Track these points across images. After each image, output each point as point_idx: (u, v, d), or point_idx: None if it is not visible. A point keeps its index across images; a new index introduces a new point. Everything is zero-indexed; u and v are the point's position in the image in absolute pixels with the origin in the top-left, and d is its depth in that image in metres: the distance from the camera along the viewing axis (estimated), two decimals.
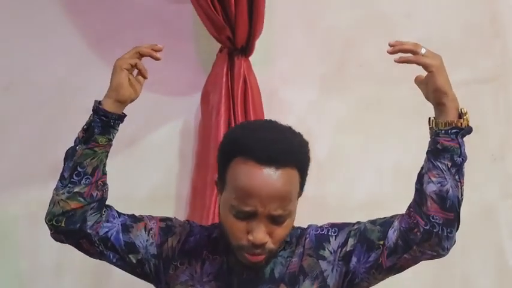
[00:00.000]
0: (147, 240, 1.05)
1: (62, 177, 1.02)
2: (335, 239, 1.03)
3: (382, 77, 1.97)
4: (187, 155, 2.06)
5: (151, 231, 1.06)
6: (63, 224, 1.01)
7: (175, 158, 2.08)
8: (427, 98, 0.98)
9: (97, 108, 1.01)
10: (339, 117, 2.00)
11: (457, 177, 0.94)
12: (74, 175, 1.00)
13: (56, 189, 1.02)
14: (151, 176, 1.96)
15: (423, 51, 0.95)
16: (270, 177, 0.92)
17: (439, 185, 0.93)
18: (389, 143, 1.95)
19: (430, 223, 0.94)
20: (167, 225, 1.09)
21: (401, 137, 1.96)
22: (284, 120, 1.93)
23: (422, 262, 1.01)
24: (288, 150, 0.94)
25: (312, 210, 1.95)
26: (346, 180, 1.98)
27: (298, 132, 1.03)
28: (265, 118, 1.74)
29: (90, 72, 2.03)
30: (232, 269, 1.01)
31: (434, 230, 0.94)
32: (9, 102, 2.01)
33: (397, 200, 1.86)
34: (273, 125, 1.02)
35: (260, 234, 0.93)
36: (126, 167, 2.03)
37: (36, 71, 2.00)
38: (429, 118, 0.98)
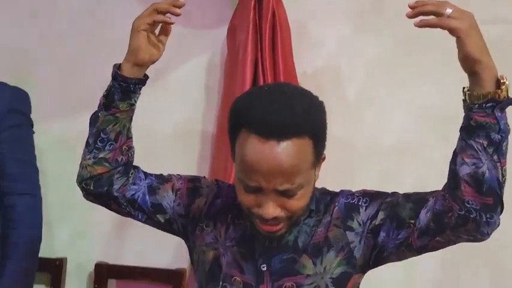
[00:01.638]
0: (174, 201, 1.06)
1: (87, 143, 1.03)
2: (365, 210, 0.97)
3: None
4: (213, 90, 2.02)
5: (178, 192, 1.06)
6: (91, 187, 1.03)
7: (201, 93, 2.05)
8: (461, 65, 0.84)
9: (115, 74, 0.98)
10: (372, 56, 1.89)
11: (495, 157, 0.81)
12: (98, 141, 1.01)
13: (83, 153, 1.04)
14: (177, 111, 1.94)
15: (448, 11, 0.81)
16: (272, 151, 0.86)
17: (474, 166, 0.82)
18: (424, 87, 1.85)
19: (466, 208, 0.83)
20: (195, 186, 1.08)
21: (437, 80, 1.85)
22: (313, 57, 1.92)
23: None
24: (292, 120, 0.87)
25: (339, 151, 1.92)
26: (375, 122, 1.90)
27: (310, 96, 0.96)
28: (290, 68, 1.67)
29: (116, 4, 1.99)
30: (255, 235, 0.98)
31: (471, 216, 0.83)
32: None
33: (427, 145, 1.83)
34: (281, 92, 0.93)
35: (268, 209, 0.90)
36: (151, 102, 1.98)
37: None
38: (463, 88, 0.85)
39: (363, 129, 1.91)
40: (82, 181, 1.04)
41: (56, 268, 2.01)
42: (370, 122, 1.91)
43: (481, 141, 0.81)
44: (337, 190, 1.06)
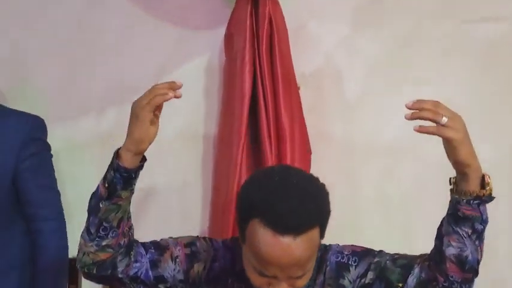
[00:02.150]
0: (174, 269, 1.08)
1: (88, 232, 1.03)
2: (355, 269, 1.05)
3: (421, 11, 1.84)
4: (213, 92, 2.03)
5: (177, 259, 1.08)
6: (94, 271, 1.05)
7: (201, 97, 2.05)
8: (452, 165, 0.94)
9: (117, 166, 0.98)
10: (371, 55, 1.90)
11: (477, 242, 0.95)
12: (100, 230, 1.01)
13: (84, 240, 1.04)
14: (177, 115, 1.93)
15: (444, 120, 0.89)
16: (289, 247, 0.90)
17: (459, 249, 0.95)
18: (424, 86, 1.86)
19: (449, 281, 0.97)
20: (192, 252, 1.10)
21: (437, 79, 1.86)
22: (311, 57, 1.93)
23: None
24: (307, 216, 0.92)
25: (339, 150, 1.94)
26: (374, 121, 1.92)
27: (316, 182, 1.00)
28: (282, 164, 1.61)
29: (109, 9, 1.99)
30: None
31: (453, 286, 0.97)
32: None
33: (426, 144, 1.82)
34: (292, 185, 0.95)
35: None
36: None
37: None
38: (450, 179, 0.96)
39: (362, 128, 1.93)
40: (84, 266, 1.06)
41: (72, 267, 2.01)
42: (370, 121, 1.93)
43: (466, 230, 0.94)
44: (327, 244, 1.11)
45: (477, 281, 1.03)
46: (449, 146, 0.90)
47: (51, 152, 1.70)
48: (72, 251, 1.88)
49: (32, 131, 1.61)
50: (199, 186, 2.04)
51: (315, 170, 1.87)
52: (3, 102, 1.94)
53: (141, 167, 1.01)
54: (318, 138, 1.91)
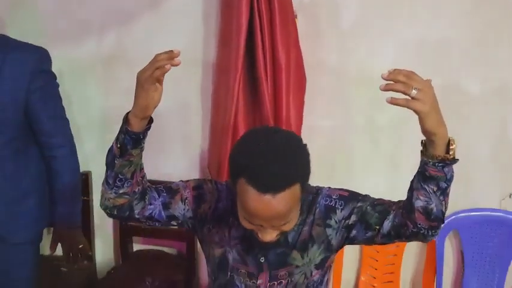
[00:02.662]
0: (184, 209, 1.21)
1: (107, 183, 1.14)
2: (341, 212, 1.17)
3: None
4: (211, 18, 2.05)
5: (186, 200, 1.21)
6: (115, 213, 1.17)
7: (200, 22, 2.08)
8: (422, 132, 1.01)
9: (126, 130, 1.06)
10: None
11: (441, 197, 1.04)
12: (117, 181, 1.12)
13: (104, 188, 1.15)
14: (176, 40, 1.97)
15: (413, 93, 0.94)
16: (270, 203, 1.00)
17: (426, 203, 1.05)
18: (419, 19, 1.91)
19: (417, 228, 1.08)
20: (199, 194, 1.22)
21: (432, 13, 1.91)
22: None
23: None
24: (285, 177, 1.01)
25: (334, 79, 2.02)
26: (368, 51, 1.98)
27: (297, 142, 1.09)
28: (267, 127, 1.60)
29: None
30: (253, 235, 1.11)
31: (421, 232, 1.08)
32: None
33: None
34: (273, 147, 1.03)
35: (267, 237, 1.08)
36: (148, 32, 2.06)
37: None
38: (421, 141, 1.03)
39: (356, 57, 1.99)
40: (106, 208, 1.18)
41: (83, 181, 2.18)
42: (363, 51, 1.99)
43: (432, 187, 1.03)
44: (318, 185, 1.22)
45: None
46: (419, 118, 0.97)
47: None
48: (82, 167, 2.03)
49: (38, 63, 1.65)
50: (199, 109, 2.13)
51: (308, 98, 1.98)
52: (3, 26, 1.98)
53: (148, 128, 1.09)
54: (313, 66, 1.98)
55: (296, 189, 1.02)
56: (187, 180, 1.24)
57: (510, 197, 2.06)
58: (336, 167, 2.10)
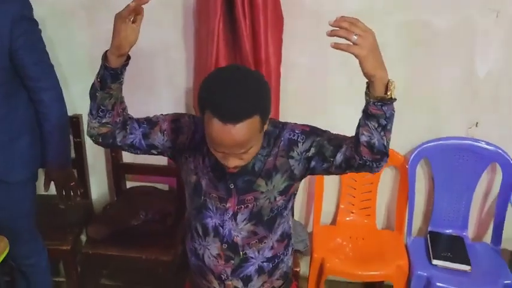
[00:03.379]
0: (162, 139, 1.33)
1: (91, 113, 1.28)
2: (302, 145, 1.28)
3: None
4: None
5: (165, 132, 1.33)
6: (100, 140, 1.32)
7: None
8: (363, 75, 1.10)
9: (105, 66, 1.19)
10: None
11: (382, 133, 1.14)
12: (99, 112, 1.26)
13: (89, 119, 1.29)
14: None
15: (354, 38, 1.03)
16: (230, 133, 1.11)
17: (369, 138, 1.15)
18: None
19: (363, 160, 1.19)
20: (177, 126, 1.33)
21: None
22: None
23: None
24: (246, 107, 1.11)
25: (309, 17, 2.08)
26: None
27: (258, 79, 1.18)
28: (233, 65, 1.76)
29: None
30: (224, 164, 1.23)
31: (367, 164, 1.20)
32: None
33: (387, 14, 2.00)
34: (236, 81, 1.13)
35: (230, 163, 1.19)
36: None
37: None
38: (366, 82, 1.11)
39: None
40: (92, 136, 1.32)
41: (73, 124, 2.29)
42: None
43: (373, 124, 1.13)
44: (283, 122, 1.33)
45: None
46: (358, 60, 1.06)
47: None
48: (72, 111, 2.11)
49: (19, 10, 1.69)
50: (183, 51, 2.19)
51: (287, 35, 2.05)
52: None
53: (126, 64, 1.21)
54: (290, 6, 2.02)
55: (255, 121, 1.13)
56: (167, 114, 1.35)
57: (476, 125, 2.18)
58: (316, 98, 2.20)
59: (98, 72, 1.21)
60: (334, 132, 1.30)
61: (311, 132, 1.29)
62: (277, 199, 1.31)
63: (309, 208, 2.46)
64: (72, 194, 1.99)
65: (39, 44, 1.80)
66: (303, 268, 2.32)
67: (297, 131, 1.29)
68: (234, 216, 1.31)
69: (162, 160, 2.41)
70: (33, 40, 1.76)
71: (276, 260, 1.38)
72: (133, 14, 1.15)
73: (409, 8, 2.00)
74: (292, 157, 1.28)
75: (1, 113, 1.75)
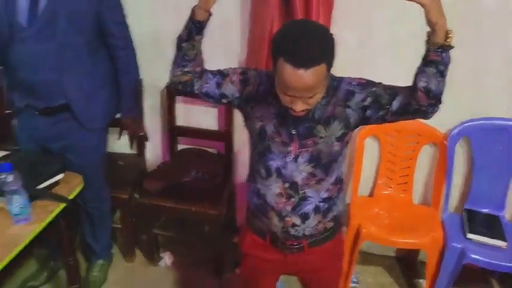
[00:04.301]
0: (232, 89, 1.49)
1: (175, 62, 1.46)
2: (359, 95, 1.41)
3: None
4: None
5: (234, 83, 1.49)
6: (180, 88, 1.49)
7: None
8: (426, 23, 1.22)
9: (193, 20, 1.38)
10: None
11: (439, 79, 1.28)
12: (183, 61, 1.44)
13: (173, 68, 1.47)
14: None
15: None
16: (302, 76, 1.24)
17: (426, 83, 1.28)
18: None
19: (419, 105, 1.32)
20: (244, 78, 1.49)
21: None
22: None
23: None
24: (317, 54, 1.24)
25: None
26: None
27: (325, 31, 1.31)
28: (304, 19, 1.93)
29: None
30: (287, 111, 1.38)
31: (422, 109, 1.33)
32: None
33: None
34: (306, 32, 1.27)
35: (297, 107, 1.33)
36: None
37: None
38: (426, 32, 1.24)
39: None
40: (173, 83, 1.49)
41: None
42: None
43: (432, 69, 1.27)
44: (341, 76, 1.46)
45: None
46: (423, 9, 1.19)
47: None
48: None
49: None
50: (238, 25, 2.35)
51: (337, 14, 2.17)
52: None
53: (208, 19, 1.39)
54: None
55: (323, 68, 1.26)
56: (236, 67, 1.52)
57: None
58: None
59: (185, 26, 1.39)
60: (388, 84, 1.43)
61: (367, 83, 1.42)
62: (334, 144, 1.45)
63: (347, 180, 2.57)
64: (141, 141, 2.24)
65: (119, 5, 2.03)
66: None
67: (354, 83, 1.42)
68: (296, 158, 1.45)
69: (212, 125, 2.60)
70: (116, 1, 2.00)
71: (331, 202, 1.52)
72: None
73: None
74: (349, 106, 1.41)
75: (86, 68, 1.98)
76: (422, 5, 1.19)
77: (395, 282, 2.54)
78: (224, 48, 2.41)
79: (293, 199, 1.49)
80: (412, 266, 2.62)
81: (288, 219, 1.51)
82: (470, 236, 2.21)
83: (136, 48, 2.36)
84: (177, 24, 1.42)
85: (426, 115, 1.35)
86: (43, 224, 1.72)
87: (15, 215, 1.68)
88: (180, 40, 1.42)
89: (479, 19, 2.11)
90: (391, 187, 2.50)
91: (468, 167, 2.40)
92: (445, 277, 2.24)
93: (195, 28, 1.38)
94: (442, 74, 1.27)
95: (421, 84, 1.29)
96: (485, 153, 2.31)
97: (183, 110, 2.60)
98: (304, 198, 1.49)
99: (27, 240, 1.64)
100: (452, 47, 1.24)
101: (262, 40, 2.18)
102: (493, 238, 2.19)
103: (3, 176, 1.63)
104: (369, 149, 2.46)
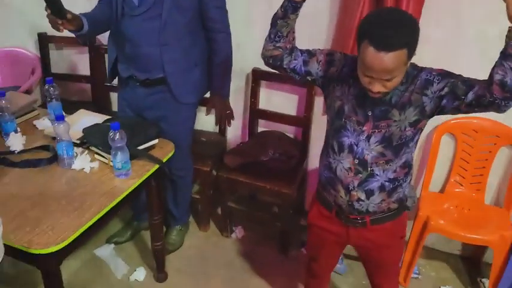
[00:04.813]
0: (317, 68, 1.63)
1: (269, 37, 1.61)
2: (437, 85, 1.48)
3: None
4: None
5: (320, 63, 1.62)
6: (271, 61, 1.65)
7: None
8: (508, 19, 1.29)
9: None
10: None
11: None
12: (276, 37, 1.59)
13: (266, 42, 1.62)
14: None
15: None
16: (382, 59, 1.35)
17: (502, 76, 1.34)
18: None
19: (493, 97, 1.38)
20: (330, 59, 1.62)
21: None
22: None
23: None
24: (399, 39, 1.34)
25: None
26: None
27: (410, 19, 1.39)
28: (391, 7, 2.00)
29: None
30: (366, 93, 1.50)
31: (496, 101, 1.38)
32: None
33: None
34: (391, 18, 1.37)
35: (375, 88, 1.44)
36: None
37: None
38: (509, 27, 1.30)
39: None
40: (265, 58, 1.65)
41: None
42: None
43: (509, 63, 1.33)
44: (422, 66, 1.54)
45: None
46: (506, 5, 1.28)
47: None
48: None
49: None
50: (327, 15, 2.46)
51: (426, 10, 2.22)
52: None
53: (303, 1, 1.52)
54: None
55: (403, 53, 1.36)
56: (323, 49, 1.66)
57: None
58: None
59: (282, 5, 1.54)
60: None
61: (446, 74, 1.50)
62: (407, 129, 1.54)
63: (419, 175, 2.63)
64: (227, 119, 2.42)
65: None
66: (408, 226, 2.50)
67: (433, 73, 1.50)
68: (368, 138, 1.56)
69: (292, 111, 2.74)
70: None
71: (396, 183, 1.61)
72: None
73: None
74: (426, 95, 1.49)
75: (184, 46, 2.19)
76: (505, 1, 1.27)
77: (458, 278, 2.57)
78: (310, 38, 2.52)
79: (361, 175, 1.59)
80: (476, 265, 2.63)
81: (354, 193, 1.62)
82: None
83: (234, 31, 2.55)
84: (267, 11, 1.57)
85: (499, 108, 1.41)
86: (140, 180, 1.93)
87: (117, 169, 1.90)
88: (276, 17, 1.56)
89: None
90: (463, 185, 2.53)
91: None
92: (510, 278, 2.25)
93: (290, 7, 1.52)
94: None
95: (497, 77, 1.35)
96: None
97: (266, 94, 2.78)
98: (371, 175, 1.59)
99: (126, 192, 1.85)
100: None
101: (350, 30, 2.29)
102: None
103: (112, 133, 1.86)
104: (444, 146, 2.50)
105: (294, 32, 1.60)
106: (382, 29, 1.35)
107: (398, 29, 1.35)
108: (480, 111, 1.46)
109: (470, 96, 1.43)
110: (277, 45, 1.60)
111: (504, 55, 1.34)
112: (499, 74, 1.35)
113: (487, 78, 1.41)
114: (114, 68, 2.33)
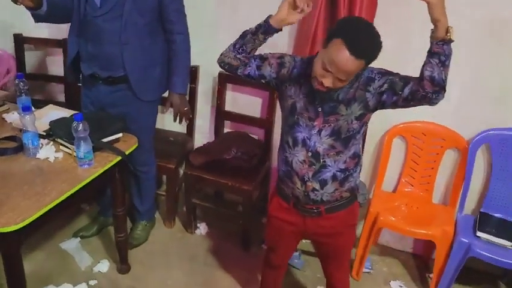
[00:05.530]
0: (270, 71, 1.76)
1: (234, 46, 1.74)
2: (378, 81, 1.63)
3: None
4: None
5: (272, 65, 1.76)
6: (226, 68, 1.79)
7: None
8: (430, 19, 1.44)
9: (267, 20, 1.65)
10: None
11: (441, 68, 1.49)
12: (240, 49, 1.73)
13: (228, 49, 1.75)
14: None
15: None
16: (348, 61, 1.49)
17: (430, 72, 1.50)
18: None
19: (425, 92, 1.52)
20: (281, 62, 1.76)
21: None
22: None
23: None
24: (367, 52, 1.50)
25: (399, 6, 2.36)
26: None
27: (377, 34, 1.51)
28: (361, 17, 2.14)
29: None
30: (315, 92, 1.64)
31: (428, 95, 1.53)
32: None
33: (464, 5, 2.22)
34: (370, 29, 1.51)
35: (327, 82, 1.57)
36: None
37: None
38: (431, 30, 1.46)
39: None
40: (221, 62, 1.78)
41: (192, 72, 2.85)
42: None
43: (435, 60, 1.49)
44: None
45: None
46: (428, 7, 1.41)
47: None
48: (192, 61, 2.62)
49: None
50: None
51: (377, 20, 2.38)
52: None
53: (276, 31, 1.67)
54: None
55: (362, 63, 1.52)
56: (274, 53, 1.80)
57: None
58: None
59: (258, 24, 1.67)
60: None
61: (386, 72, 1.65)
62: (353, 122, 1.68)
63: (374, 175, 2.77)
64: (185, 116, 2.52)
65: None
66: (361, 223, 2.64)
67: (375, 71, 1.65)
68: (319, 132, 1.70)
69: (256, 113, 2.88)
70: None
71: (347, 173, 1.75)
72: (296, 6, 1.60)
73: (485, 4, 2.23)
74: (369, 91, 1.64)
75: (144, 46, 2.31)
76: (428, 3, 1.41)
77: (408, 274, 2.71)
78: (271, 44, 2.67)
79: (314, 166, 1.72)
80: (426, 262, 2.78)
81: (309, 183, 1.74)
82: (479, 234, 2.36)
83: (195, 37, 2.66)
84: (232, 16, 1.68)
85: (431, 101, 1.55)
86: (102, 169, 2.04)
87: (80, 158, 2.01)
88: (247, 31, 1.71)
89: (504, 31, 2.25)
90: (413, 185, 2.68)
91: (487, 173, 2.54)
92: (451, 270, 2.39)
93: (265, 28, 1.66)
94: (444, 64, 1.48)
95: (427, 73, 1.50)
96: (504, 161, 2.45)
97: (231, 97, 2.91)
98: (324, 166, 1.72)
99: (88, 179, 1.96)
100: (452, 41, 1.46)
101: (306, 39, 2.44)
102: (499, 238, 2.32)
103: (75, 124, 1.97)
104: (396, 149, 2.66)
105: (256, 50, 1.75)
106: (359, 37, 1.49)
107: (371, 44, 1.50)
108: (415, 105, 1.60)
109: (407, 91, 1.57)
110: (238, 56, 1.73)
111: (430, 53, 1.49)
112: (428, 71, 1.50)
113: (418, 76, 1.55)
114: (76, 66, 2.43)
